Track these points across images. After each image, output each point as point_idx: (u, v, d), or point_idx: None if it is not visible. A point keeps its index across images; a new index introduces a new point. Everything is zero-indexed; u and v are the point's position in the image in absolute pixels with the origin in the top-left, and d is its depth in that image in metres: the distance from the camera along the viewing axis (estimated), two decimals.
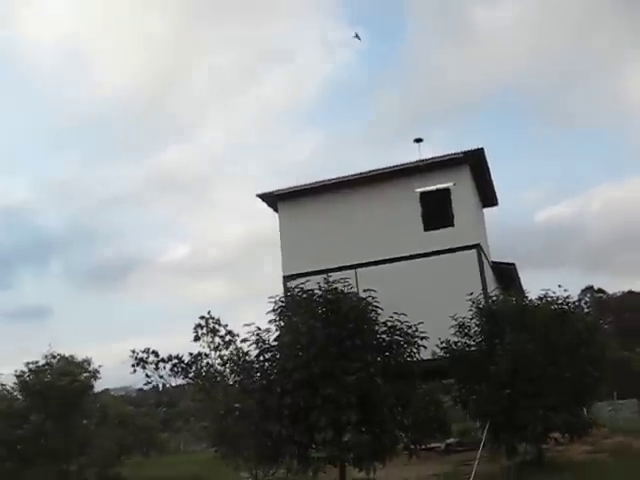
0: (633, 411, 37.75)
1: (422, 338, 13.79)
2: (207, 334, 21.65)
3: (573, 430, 17.60)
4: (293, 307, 13.67)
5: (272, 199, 26.14)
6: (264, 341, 13.71)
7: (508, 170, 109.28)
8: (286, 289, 25.03)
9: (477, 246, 23.44)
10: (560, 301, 18.51)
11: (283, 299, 14.05)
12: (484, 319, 18.40)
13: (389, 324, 13.73)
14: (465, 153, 23.72)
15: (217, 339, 21.48)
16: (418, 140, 24.70)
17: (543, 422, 16.68)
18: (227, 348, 21.03)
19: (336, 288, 13.82)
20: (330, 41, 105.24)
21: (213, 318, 21.74)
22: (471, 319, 18.80)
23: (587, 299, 65.23)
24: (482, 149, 23.55)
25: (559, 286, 18.74)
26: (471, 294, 19.42)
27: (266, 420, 12.90)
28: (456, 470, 20.33)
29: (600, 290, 78.88)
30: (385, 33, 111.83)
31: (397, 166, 24.70)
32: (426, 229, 24.15)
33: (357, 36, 28.30)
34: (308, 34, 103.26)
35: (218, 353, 21.31)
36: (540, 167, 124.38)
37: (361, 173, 25.09)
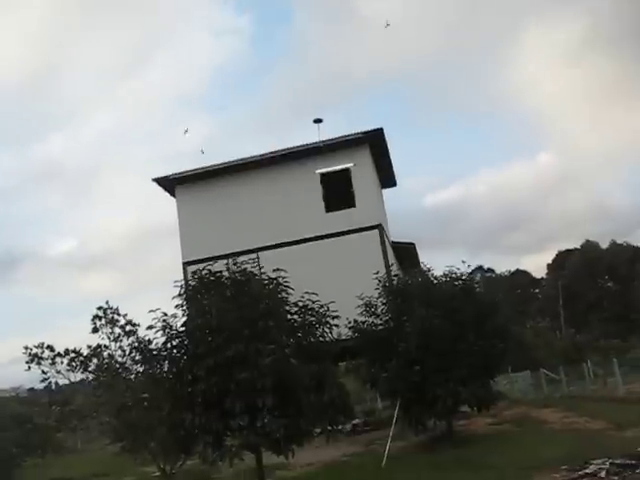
0: (527, 383, 39.27)
1: (334, 317, 13.54)
2: (106, 325, 20.53)
3: (482, 402, 17.91)
4: (201, 290, 13.06)
5: (169, 183, 25.19)
6: (171, 327, 13.05)
7: (400, 154, 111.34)
8: (186, 275, 24.52)
9: (379, 226, 23.44)
10: (464, 277, 18.79)
11: (190, 283, 13.40)
12: (391, 297, 18.40)
13: (300, 304, 13.37)
14: (365, 133, 23.62)
15: (117, 329, 20.42)
16: (317, 120, 24.39)
17: (453, 396, 16.87)
18: (128, 338, 20.02)
19: (245, 269, 13.33)
20: (219, 27, 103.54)
21: (111, 308, 20.65)
22: (377, 298, 18.78)
23: (478, 278, 67.51)
24: (381, 129, 23.52)
25: (463, 262, 19.05)
26: (377, 273, 19.43)
27: (177, 409, 12.26)
28: (366, 450, 20.37)
29: (489, 269, 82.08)
30: (274, 19, 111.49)
31: (296, 147, 24.31)
32: (328, 210, 23.93)
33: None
34: (197, 20, 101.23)
35: (119, 344, 20.28)
36: (432, 151, 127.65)
37: (261, 155, 24.56)
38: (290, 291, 13.24)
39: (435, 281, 18.53)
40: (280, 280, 13.08)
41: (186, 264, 24.32)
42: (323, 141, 23.86)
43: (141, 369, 13.91)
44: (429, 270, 19.10)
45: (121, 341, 20.43)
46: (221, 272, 13.17)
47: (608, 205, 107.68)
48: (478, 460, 14.15)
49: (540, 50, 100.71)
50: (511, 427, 21.23)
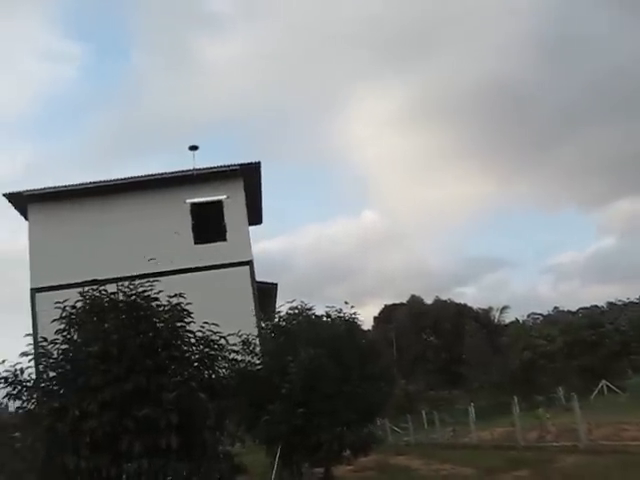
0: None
1: (235, 352, 12.44)
2: None
3: (366, 446, 17.26)
4: (92, 314, 11.42)
5: (21, 200, 22.73)
6: (49, 356, 11.25)
7: None
8: (34, 302, 22.12)
9: (250, 262, 22.56)
10: (347, 317, 18.23)
11: (80, 304, 11.71)
12: (274, 335, 17.43)
13: (199, 334, 12.11)
14: (241, 165, 22.84)
15: None
16: (193, 148, 23.25)
17: (339, 439, 16.07)
18: None
19: (143, 292, 11.89)
20: (52, 54, 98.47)
21: None
22: (256, 336, 17.75)
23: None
24: (259, 163, 22.89)
25: (345, 302, 18.48)
26: (251, 310, 18.51)
27: (59, 451, 10.46)
28: None
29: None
30: (110, 51, 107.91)
31: (167, 174, 23.02)
32: (197, 242, 22.70)
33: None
34: (28, 44, 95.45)
35: None
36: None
37: (127, 178, 23.02)
38: (190, 319, 11.94)
39: (319, 319, 17.78)
40: (182, 306, 11.75)
41: (35, 290, 22.02)
42: (197, 169, 22.77)
43: (12, 404, 11.83)
44: (310, 309, 18.34)
45: None
46: (116, 294, 11.63)
47: (426, 264, 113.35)
48: None
49: (367, 114, 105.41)
50: (376, 474, 20.73)
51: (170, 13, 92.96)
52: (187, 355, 11.48)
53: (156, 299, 11.86)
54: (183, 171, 22.89)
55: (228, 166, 22.85)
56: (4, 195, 22.53)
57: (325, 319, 17.94)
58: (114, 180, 22.92)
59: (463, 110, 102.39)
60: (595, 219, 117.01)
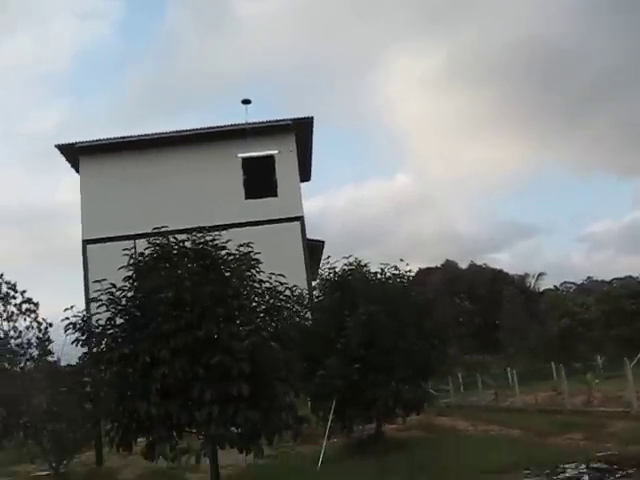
0: None
1: (302, 304, 12.36)
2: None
3: (419, 405, 17.22)
4: (161, 261, 11.36)
5: (73, 152, 22.72)
6: (117, 302, 11.25)
7: None
8: (85, 253, 22.21)
9: (301, 218, 22.36)
10: (403, 276, 18.07)
11: (149, 251, 11.66)
12: (329, 290, 17.34)
13: (268, 285, 11.99)
14: (294, 120, 22.50)
15: (11, 307, 17.91)
16: (246, 102, 22.97)
17: (395, 397, 16.03)
18: (25, 319, 17.63)
19: (213, 240, 11.80)
20: (84, 10, 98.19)
21: (7, 283, 18.08)
22: (308, 292, 17.71)
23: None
24: (312, 118, 22.53)
25: (401, 260, 18.31)
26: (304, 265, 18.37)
27: (129, 397, 10.50)
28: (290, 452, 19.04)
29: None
30: (144, 7, 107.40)
31: (219, 127, 22.78)
32: (248, 197, 22.53)
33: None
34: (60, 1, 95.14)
35: (12, 324, 17.75)
36: None
37: (178, 131, 22.82)
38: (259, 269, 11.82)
39: (373, 277, 17.64)
40: (252, 255, 11.63)
41: (86, 242, 22.15)
42: (248, 123, 22.49)
43: (82, 349, 11.82)
44: (365, 265, 18.19)
45: (15, 321, 17.98)
46: (184, 242, 11.56)
47: (460, 228, 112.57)
48: (434, 464, 13.34)
49: (404, 74, 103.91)
50: (424, 434, 20.71)
51: None
52: (255, 305, 11.41)
53: (224, 247, 11.78)
54: (235, 125, 22.60)
55: (281, 120, 22.53)
56: (56, 147, 22.49)
57: (380, 276, 17.85)
58: (166, 133, 22.75)
59: (499, 72, 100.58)
60: (631, 189, 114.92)
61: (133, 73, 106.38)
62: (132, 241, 23.40)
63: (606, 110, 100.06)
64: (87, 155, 22.84)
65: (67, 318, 11.29)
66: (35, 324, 17.50)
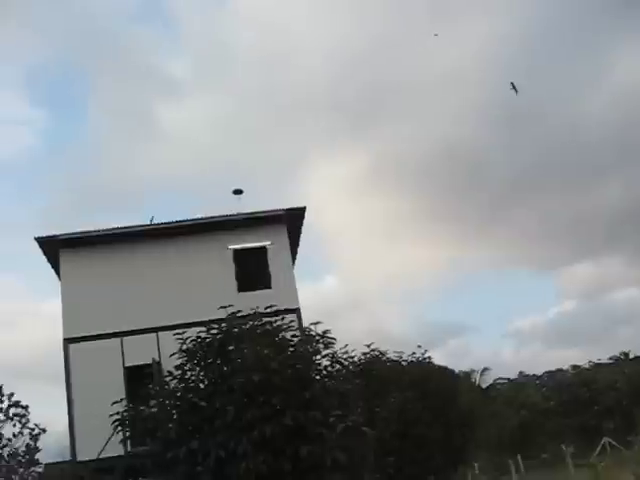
0: None
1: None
2: None
3: None
4: (231, 343, 10.53)
5: (54, 245, 21.47)
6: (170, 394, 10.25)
7: None
8: (67, 352, 20.62)
9: (297, 310, 21.61)
10: (426, 362, 17.53)
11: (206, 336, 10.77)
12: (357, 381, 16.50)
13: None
14: (287, 210, 22.13)
15: None
16: (237, 192, 22.46)
17: None
18: (16, 424, 15.98)
19: (275, 322, 11.08)
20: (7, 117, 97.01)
21: None
22: None
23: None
24: (304, 208, 22.20)
25: (418, 346, 17.82)
26: None
27: None
28: None
29: None
30: (68, 116, 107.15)
31: (209, 218, 22.15)
32: (240, 290, 21.68)
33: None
34: None
35: None
36: None
37: (165, 223, 22.02)
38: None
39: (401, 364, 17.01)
40: (329, 335, 10.92)
41: (68, 341, 20.66)
42: (240, 214, 21.97)
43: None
44: (384, 353, 17.56)
45: (1, 427, 16.32)
46: (256, 324, 10.78)
47: (389, 329, 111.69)
48: None
49: (324, 179, 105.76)
50: None
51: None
52: (335, 387, 10.61)
53: (290, 328, 11.05)
54: (226, 215, 22.05)
55: (273, 210, 22.14)
56: (36, 239, 21.23)
57: (400, 362, 17.25)
58: (150, 225, 21.94)
59: (420, 173, 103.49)
60: (552, 282, 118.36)
61: (58, 178, 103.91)
62: (119, 339, 22.23)
63: (524, 207, 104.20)
64: (68, 248, 21.66)
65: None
66: (26, 430, 15.89)
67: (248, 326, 10.76)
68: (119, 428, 10.66)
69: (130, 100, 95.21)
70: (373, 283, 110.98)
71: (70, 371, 20.63)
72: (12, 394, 16.68)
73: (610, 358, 57.21)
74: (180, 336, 11.06)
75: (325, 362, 10.86)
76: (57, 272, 22.75)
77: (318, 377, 10.47)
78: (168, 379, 10.40)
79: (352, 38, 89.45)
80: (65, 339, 20.72)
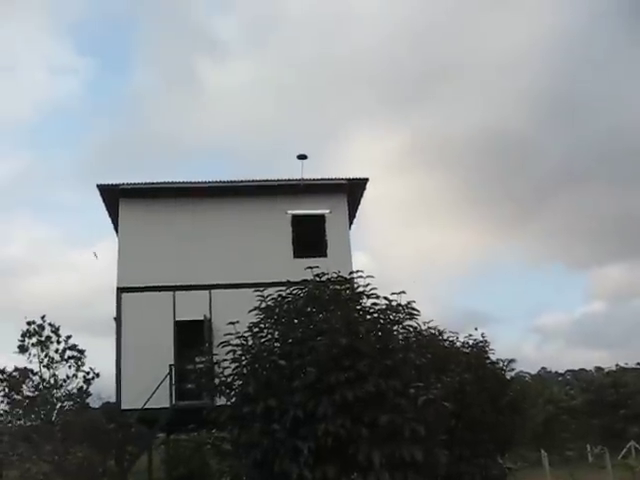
0: None
1: None
2: (38, 345, 16.35)
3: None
4: (312, 304, 10.37)
5: (114, 194, 21.54)
6: (248, 350, 10.11)
7: None
8: (119, 301, 20.79)
9: (351, 281, 21.44)
10: (481, 344, 17.25)
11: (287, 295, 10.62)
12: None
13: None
14: (349, 180, 21.92)
15: (52, 353, 16.34)
16: (301, 157, 22.19)
17: (482, 472, 14.94)
18: (70, 366, 16.08)
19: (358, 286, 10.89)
20: (55, 65, 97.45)
21: (51, 325, 16.56)
22: None
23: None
24: (367, 179, 21.97)
25: (475, 329, 17.51)
26: None
27: (275, 457, 9.25)
28: None
29: None
30: (113, 67, 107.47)
31: (270, 181, 22.03)
32: (296, 256, 21.58)
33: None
34: (32, 53, 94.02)
35: (52, 371, 16.16)
36: None
37: (226, 182, 21.96)
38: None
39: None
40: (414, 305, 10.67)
41: (121, 290, 20.79)
42: (302, 180, 21.79)
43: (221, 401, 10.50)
44: (443, 332, 17.30)
45: (56, 368, 16.41)
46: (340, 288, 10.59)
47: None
48: None
49: (364, 153, 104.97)
50: None
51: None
52: (412, 359, 10.41)
53: (376, 296, 10.83)
54: (286, 180, 21.91)
55: (335, 179, 21.96)
56: (98, 186, 21.31)
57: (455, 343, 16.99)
58: (211, 182, 21.88)
59: (464, 158, 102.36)
60: (582, 282, 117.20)
61: (99, 130, 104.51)
62: (171, 293, 22.27)
63: (567, 200, 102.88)
64: (128, 198, 21.71)
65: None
66: (80, 374, 16.01)
67: (332, 289, 10.51)
68: (200, 379, 10.59)
69: (176, 58, 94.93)
70: (402, 264, 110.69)
71: (121, 320, 20.80)
72: (69, 336, 16.72)
73: (638, 363, 56.65)
74: (260, 293, 10.85)
75: (402, 333, 10.58)
76: (114, 222, 22.87)
77: (397, 347, 10.19)
78: (243, 334, 10.24)
79: (413, 18, 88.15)
80: (119, 288, 20.86)
